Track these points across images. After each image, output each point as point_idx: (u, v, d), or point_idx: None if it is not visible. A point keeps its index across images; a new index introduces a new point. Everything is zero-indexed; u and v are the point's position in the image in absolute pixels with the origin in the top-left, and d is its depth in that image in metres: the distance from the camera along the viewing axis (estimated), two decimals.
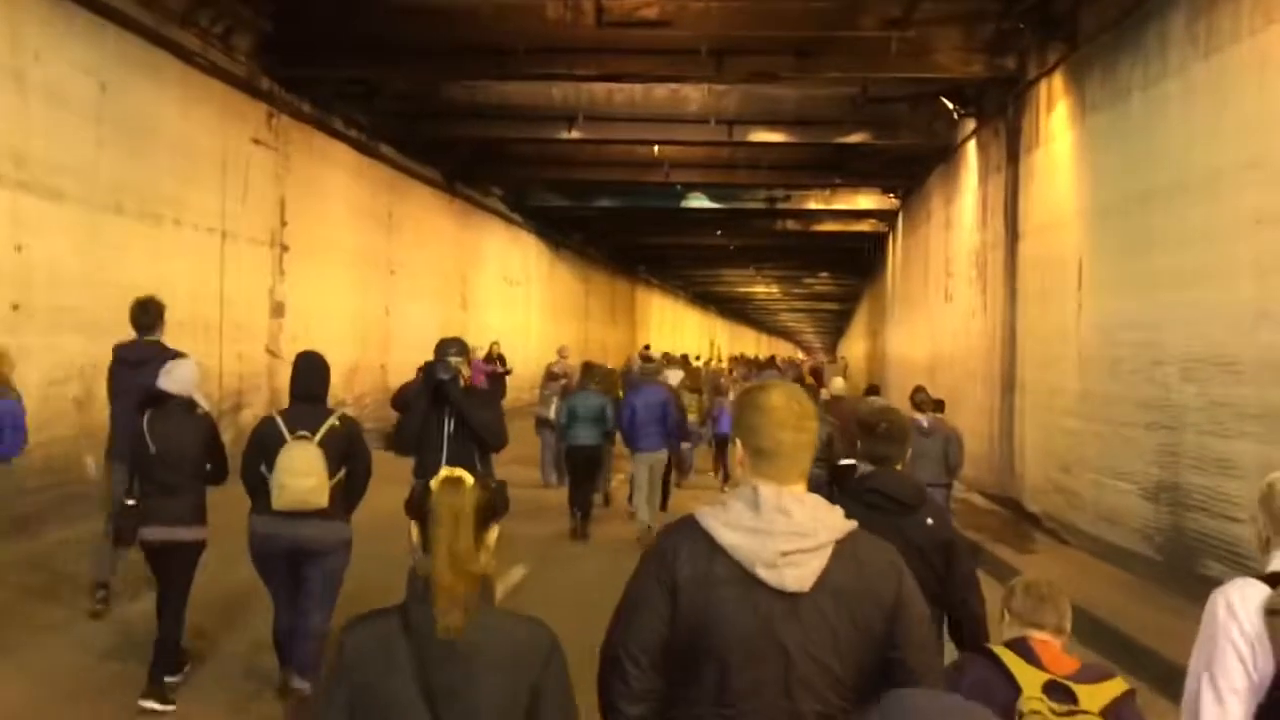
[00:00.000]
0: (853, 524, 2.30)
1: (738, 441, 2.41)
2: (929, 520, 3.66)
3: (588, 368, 12.70)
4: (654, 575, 2.30)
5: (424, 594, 2.25)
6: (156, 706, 5.43)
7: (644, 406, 10.72)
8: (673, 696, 2.30)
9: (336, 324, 16.71)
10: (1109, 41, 10.17)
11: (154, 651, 5.55)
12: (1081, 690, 2.74)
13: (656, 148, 19.64)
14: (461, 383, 6.04)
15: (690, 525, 2.33)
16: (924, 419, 9.35)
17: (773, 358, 42.65)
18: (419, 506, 2.34)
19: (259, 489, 5.35)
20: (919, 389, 10.33)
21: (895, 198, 23.65)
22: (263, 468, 5.31)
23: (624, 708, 2.29)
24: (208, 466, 5.70)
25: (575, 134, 17.47)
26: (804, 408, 2.38)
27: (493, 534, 2.39)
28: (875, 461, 3.83)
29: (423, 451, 5.88)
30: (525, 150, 21.44)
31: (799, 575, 2.21)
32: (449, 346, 6.10)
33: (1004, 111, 13.47)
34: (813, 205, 25.26)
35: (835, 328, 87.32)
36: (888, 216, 26.20)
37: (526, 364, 27.03)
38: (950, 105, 15.10)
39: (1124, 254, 9.76)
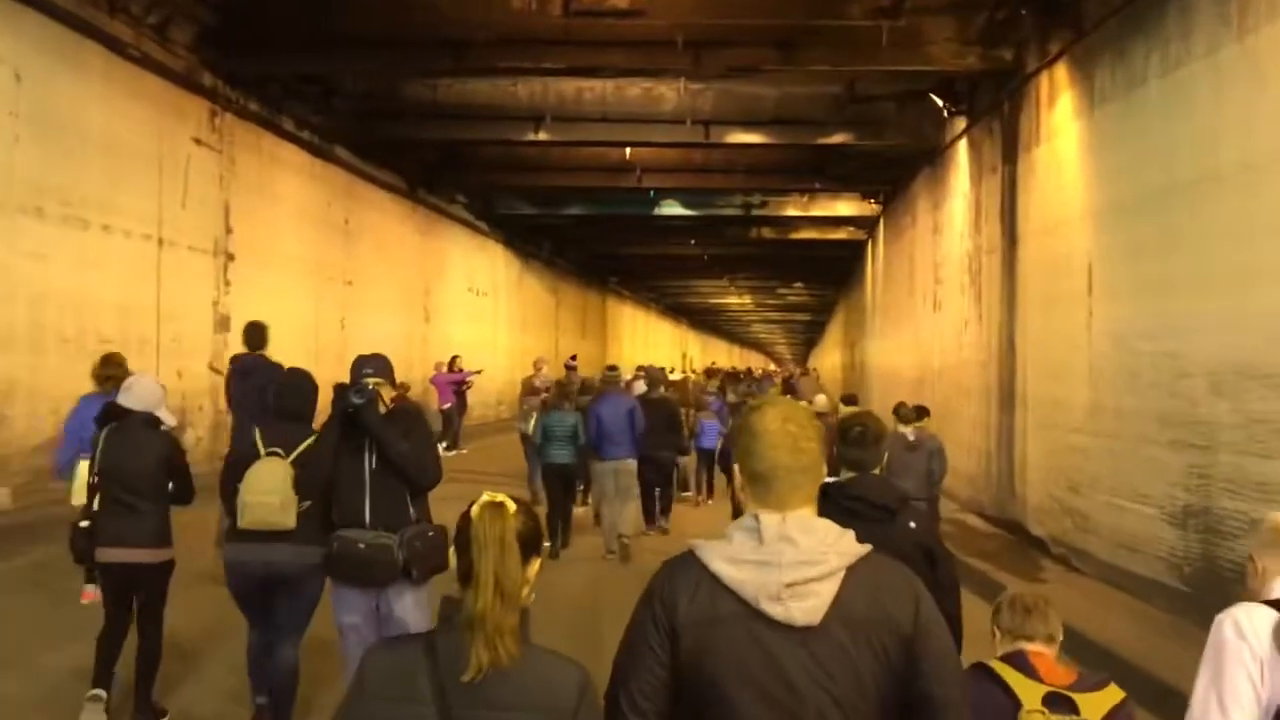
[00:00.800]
0: (866, 548, 2.11)
1: (739, 470, 2.23)
2: (911, 524, 3.61)
3: (562, 385, 12.16)
4: (650, 618, 2.12)
5: (455, 624, 2.11)
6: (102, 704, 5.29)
7: (610, 417, 10.56)
8: None
9: (288, 338, 15.63)
10: (1119, 27, 9.35)
11: (135, 679, 5.38)
12: (1081, 699, 2.75)
13: (629, 150, 18.74)
14: (382, 407, 4.92)
15: (688, 561, 2.14)
16: (909, 432, 9.36)
17: (749, 369, 41.78)
18: (459, 534, 2.18)
19: (234, 508, 5.09)
20: (901, 404, 10.27)
21: (876, 203, 22.87)
22: (240, 485, 5.03)
23: None
24: (169, 486, 5.46)
25: (543, 135, 16.53)
26: (801, 429, 2.19)
27: (533, 567, 2.22)
28: (853, 467, 3.72)
29: (340, 492, 4.84)
30: (491, 154, 20.49)
31: (807, 608, 2.03)
32: (364, 365, 5.07)
33: (999, 108, 12.66)
34: (790, 212, 24.42)
35: (807, 339, 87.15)
36: (867, 224, 25.44)
37: (494, 379, 26.12)
38: (940, 102, 14.29)
39: (1141, 256, 8.92)
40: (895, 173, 19.10)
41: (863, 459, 3.72)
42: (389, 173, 19.53)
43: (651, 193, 22.66)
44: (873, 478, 3.71)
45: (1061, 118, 10.72)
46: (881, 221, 23.15)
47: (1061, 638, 3.10)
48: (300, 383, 5.47)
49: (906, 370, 18.98)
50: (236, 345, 13.95)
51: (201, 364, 13.16)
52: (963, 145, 14.65)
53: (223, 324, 13.69)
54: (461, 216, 24.24)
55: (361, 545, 4.69)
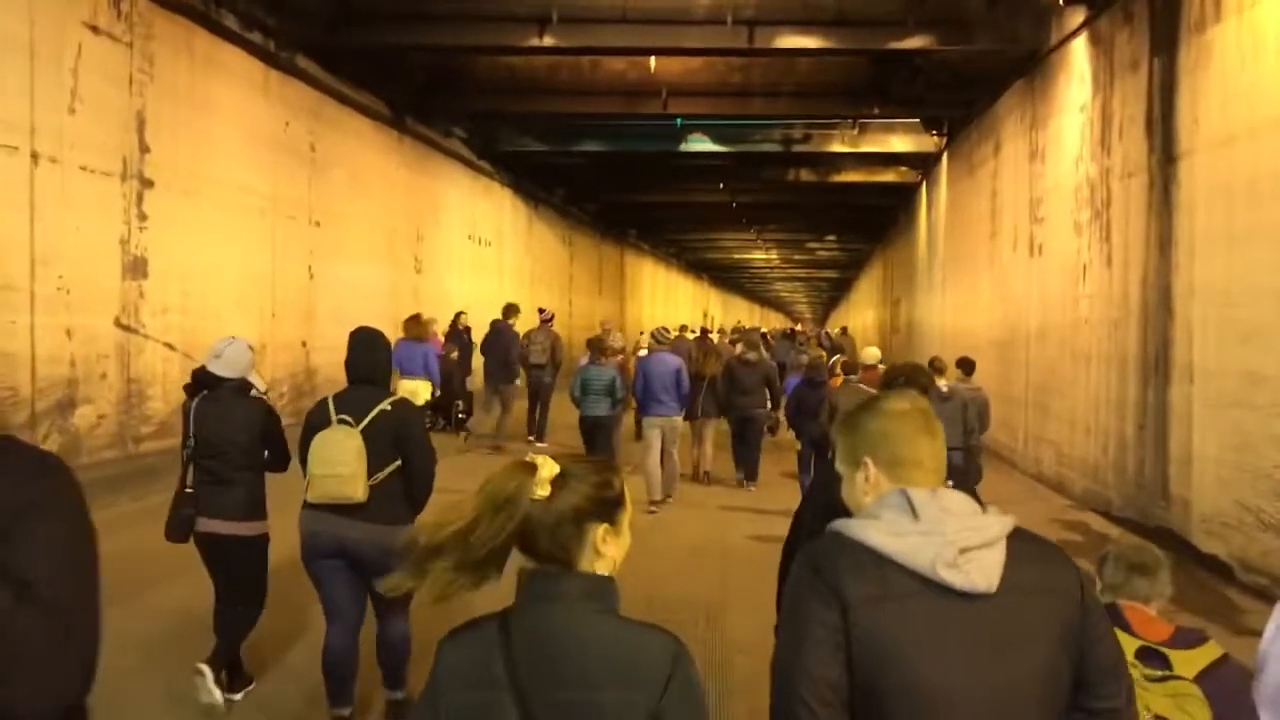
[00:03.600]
0: (1013, 519, 2.01)
1: (866, 461, 2.11)
2: (949, 482, 2.83)
3: (594, 341, 12.29)
4: (816, 596, 1.92)
5: (534, 597, 1.92)
6: (238, 696, 5.33)
7: (656, 375, 11.15)
8: None
9: (233, 289, 12.69)
10: None
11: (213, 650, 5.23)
12: (1175, 655, 2.71)
13: (653, 63, 15.60)
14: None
15: (840, 540, 1.99)
16: (943, 384, 9.65)
17: (792, 329, 38.98)
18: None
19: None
20: (935, 357, 10.99)
21: (939, 136, 19.66)
22: None
23: None
24: (265, 455, 5.41)
25: (548, 40, 13.44)
26: (928, 408, 2.18)
27: (596, 532, 1.96)
28: None
29: None
30: (488, 72, 17.36)
31: (986, 571, 1.90)
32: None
33: None
34: (836, 147, 21.20)
35: (830, 298, 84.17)
36: (924, 162, 22.22)
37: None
38: None
39: None
40: (973, 92, 15.89)
41: None
42: (368, 95, 16.43)
43: (678, 122, 19.49)
44: None
45: None
46: (945, 158, 19.92)
47: (1169, 595, 3.02)
48: (370, 342, 5.06)
49: (983, 330, 15.88)
50: (160, 297, 11.10)
51: (104, 320, 10.21)
52: (1080, 43, 11.48)
53: (137, 268, 10.72)
54: (459, 153, 21.12)
55: None
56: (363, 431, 4.73)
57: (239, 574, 5.35)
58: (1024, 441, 13.43)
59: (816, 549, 2.04)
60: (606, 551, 1.97)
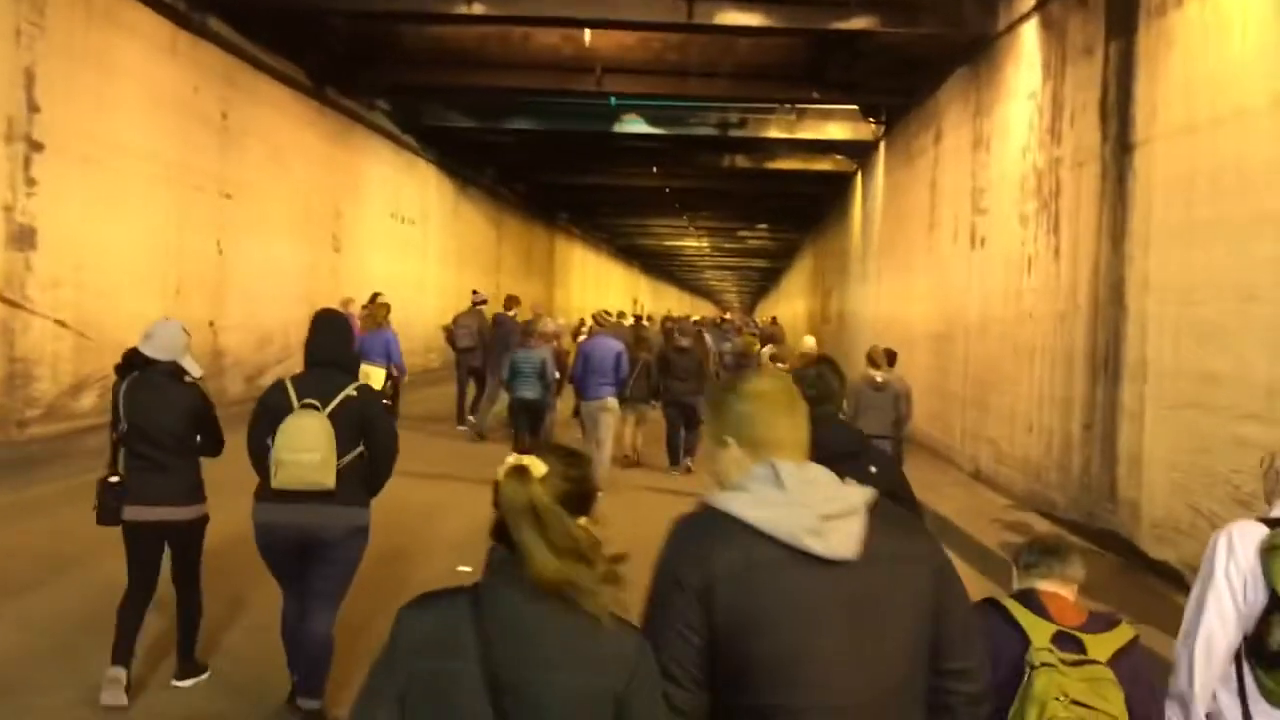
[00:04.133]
0: (875, 491, 2.11)
1: (729, 441, 2.17)
2: (871, 468, 3.48)
3: (528, 325, 12.66)
4: (677, 580, 1.99)
5: (507, 579, 1.96)
6: (188, 684, 5.32)
7: (596, 358, 11.28)
8: (725, 707, 2.00)
9: (133, 263, 11.83)
10: None
11: (178, 636, 5.34)
12: (1089, 640, 2.77)
13: (588, 36, 14.97)
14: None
15: (709, 514, 2.06)
16: (878, 375, 10.08)
17: (724, 318, 38.78)
18: (496, 498, 2.01)
19: (262, 466, 4.76)
20: (873, 347, 10.93)
21: (877, 124, 19.32)
22: (270, 440, 4.67)
23: None
24: (198, 439, 5.26)
25: (477, 8, 12.74)
26: (790, 387, 2.26)
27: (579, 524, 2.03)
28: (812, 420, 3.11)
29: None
30: (414, 44, 16.58)
31: (846, 539, 1.99)
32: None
33: None
34: (773, 133, 20.80)
35: (759, 287, 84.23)
36: (860, 151, 21.89)
37: (423, 323, 22.40)
38: None
39: None
40: (914, 79, 15.53)
41: (822, 412, 3.32)
42: (286, 62, 15.56)
43: (612, 101, 18.89)
44: (828, 422, 3.47)
45: None
46: (882, 147, 19.60)
47: (1081, 579, 3.07)
48: (334, 324, 5.04)
49: (919, 323, 15.57)
50: (49, 269, 10.18)
51: None
52: (1030, 27, 11.13)
53: (21, 238, 9.85)
54: (383, 126, 20.27)
55: None
56: (329, 416, 4.64)
57: (178, 560, 5.22)
58: (961, 438, 13.14)
59: (687, 521, 2.09)
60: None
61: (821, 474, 2.10)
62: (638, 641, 1.97)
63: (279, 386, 4.80)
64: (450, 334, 15.77)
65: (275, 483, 4.62)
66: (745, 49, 16.12)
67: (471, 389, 15.62)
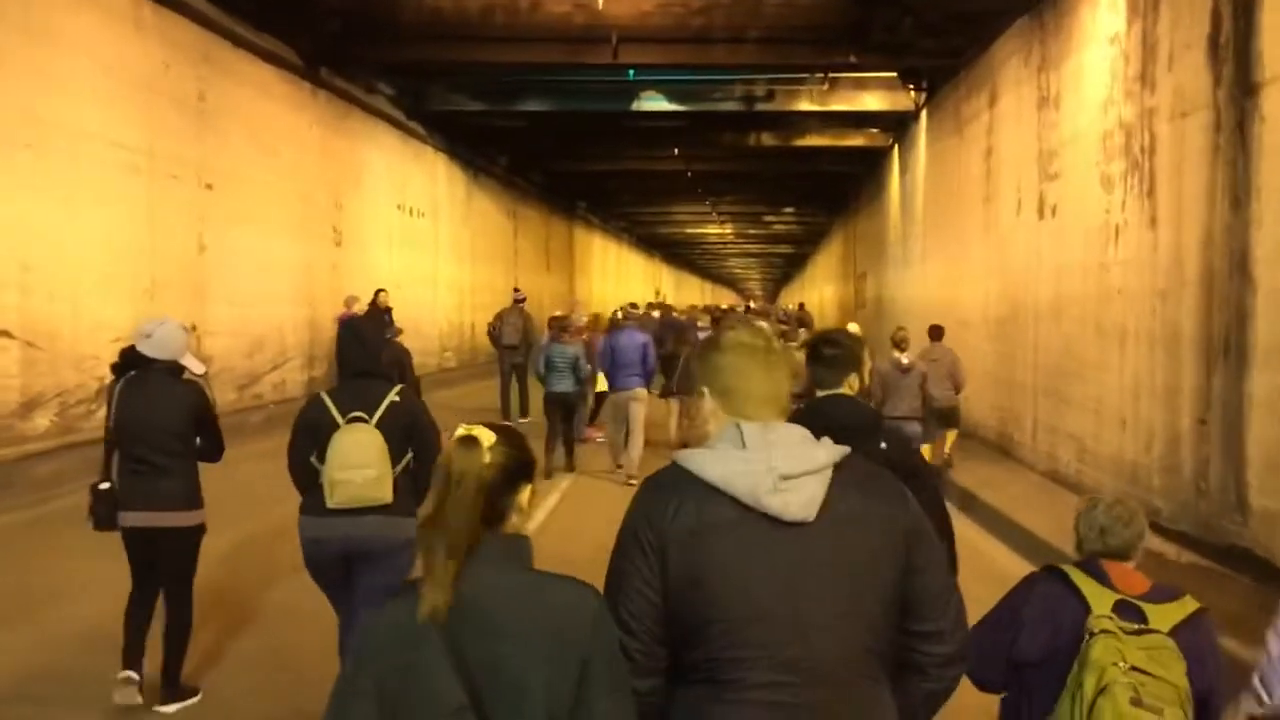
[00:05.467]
0: (846, 449, 2.09)
1: (704, 391, 2.21)
2: (883, 445, 3.31)
3: (561, 319, 12.57)
4: (636, 536, 2.03)
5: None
6: (173, 709, 4.96)
7: (623, 349, 11.29)
8: (679, 663, 2.04)
9: (95, 262, 10.55)
10: None
11: (164, 654, 4.97)
12: (1151, 609, 2.75)
13: (601, 1, 13.53)
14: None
15: (673, 472, 2.09)
16: (903, 357, 10.24)
17: (748, 306, 37.47)
18: (438, 470, 2.05)
19: (310, 484, 4.51)
20: (897, 330, 11.03)
21: (917, 91, 17.82)
22: (314, 459, 4.46)
23: (633, 684, 1.97)
24: (197, 441, 5.05)
25: None
26: (769, 344, 2.24)
27: (524, 493, 2.10)
28: (823, 387, 3.48)
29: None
30: (414, 18, 15.18)
31: (803, 500, 1.98)
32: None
33: None
34: (803, 106, 19.35)
35: (783, 274, 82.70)
36: (898, 123, 20.40)
37: (434, 321, 21.11)
38: None
39: None
40: (962, 37, 14.04)
41: (833, 378, 3.44)
42: (272, 39, 14.25)
43: (630, 73, 17.49)
44: (841, 398, 3.43)
45: None
46: (923, 116, 18.08)
47: (1142, 548, 3.00)
48: (363, 333, 4.83)
49: (977, 305, 14.08)
50: None
51: None
52: None
53: None
54: (385, 111, 18.93)
55: None
56: (377, 426, 4.47)
57: (170, 569, 4.99)
58: (1033, 433, 11.67)
59: (653, 479, 2.13)
60: (526, 509, 2.09)
61: (788, 433, 2.08)
62: (594, 596, 1.99)
63: (317, 401, 4.58)
64: (494, 332, 15.92)
65: (332, 502, 4.40)
66: (774, 10, 14.67)
67: (515, 388, 15.75)
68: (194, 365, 5.15)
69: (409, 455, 4.60)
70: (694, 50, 15.53)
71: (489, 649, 1.89)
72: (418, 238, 20.99)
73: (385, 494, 4.43)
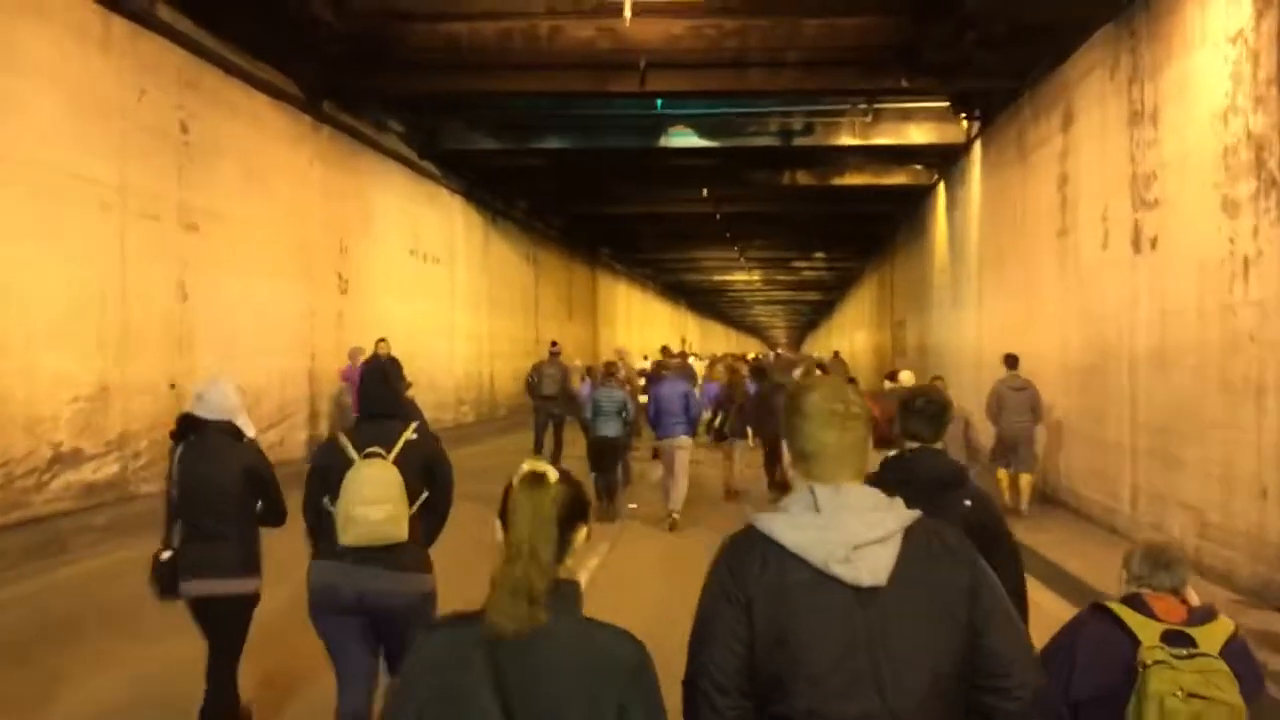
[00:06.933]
0: (917, 512, 2.16)
1: (789, 449, 2.26)
2: (967, 502, 3.41)
3: (609, 365, 12.88)
4: (724, 593, 2.11)
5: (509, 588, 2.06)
6: None
7: (665, 398, 11.50)
8: (763, 713, 2.10)
9: (50, 310, 9.21)
10: None
11: None
12: (1197, 633, 2.82)
13: (628, 20, 12.22)
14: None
15: (752, 534, 2.17)
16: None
17: (777, 354, 36.20)
18: (501, 507, 2.15)
19: (319, 527, 4.35)
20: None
21: (970, 119, 16.44)
22: (325, 501, 4.30)
23: None
24: (258, 505, 4.87)
25: None
26: (848, 407, 2.23)
27: (580, 534, 2.19)
28: (913, 439, 3.58)
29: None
30: (425, 44, 13.95)
31: (874, 568, 2.06)
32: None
33: None
34: (843, 140, 18.00)
35: (808, 322, 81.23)
36: (945, 158, 19.00)
37: (451, 372, 19.75)
38: None
39: None
40: (1028, 53, 12.66)
41: (923, 431, 3.56)
42: (268, 67, 13.03)
43: (659, 103, 16.22)
44: (929, 451, 3.54)
45: None
46: (976, 147, 16.67)
47: (1187, 588, 3.10)
48: (385, 375, 4.65)
49: (1053, 353, 12.52)
50: None
51: None
52: None
53: None
54: (396, 151, 17.69)
55: None
56: (394, 463, 4.29)
57: (217, 639, 4.75)
58: (1133, 501, 10.09)
59: (733, 540, 2.19)
60: (578, 550, 2.14)
61: (859, 498, 2.14)
62: (638, 648, 2.04)
63: (332, 443, 4.48)
64: (532, 383, 16.51)
65: (345, 540, 4.21)
66: (815, 31, 13.35)
67: (550, 437, 16.21)
68: (247, 428, 4.95)
69: (424, 494, 4.42)
70: (728, 76, 14.18)
71: (530, 683, 1.95)
72: (432, 285, 19.67)
73: (400, 533, 4.24)
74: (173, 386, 10.88)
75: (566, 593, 2.06)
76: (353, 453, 4.30)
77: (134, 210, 10.29)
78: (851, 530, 2.06)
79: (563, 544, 2.07)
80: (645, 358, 26.65)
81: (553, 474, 2.11)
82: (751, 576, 2.07)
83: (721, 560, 2.15)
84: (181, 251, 11.16)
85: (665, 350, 13.05)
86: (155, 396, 10.65)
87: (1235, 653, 2.82)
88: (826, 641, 2.04)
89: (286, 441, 13.53)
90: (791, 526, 2.09)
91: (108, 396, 9.81)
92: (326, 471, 4.32)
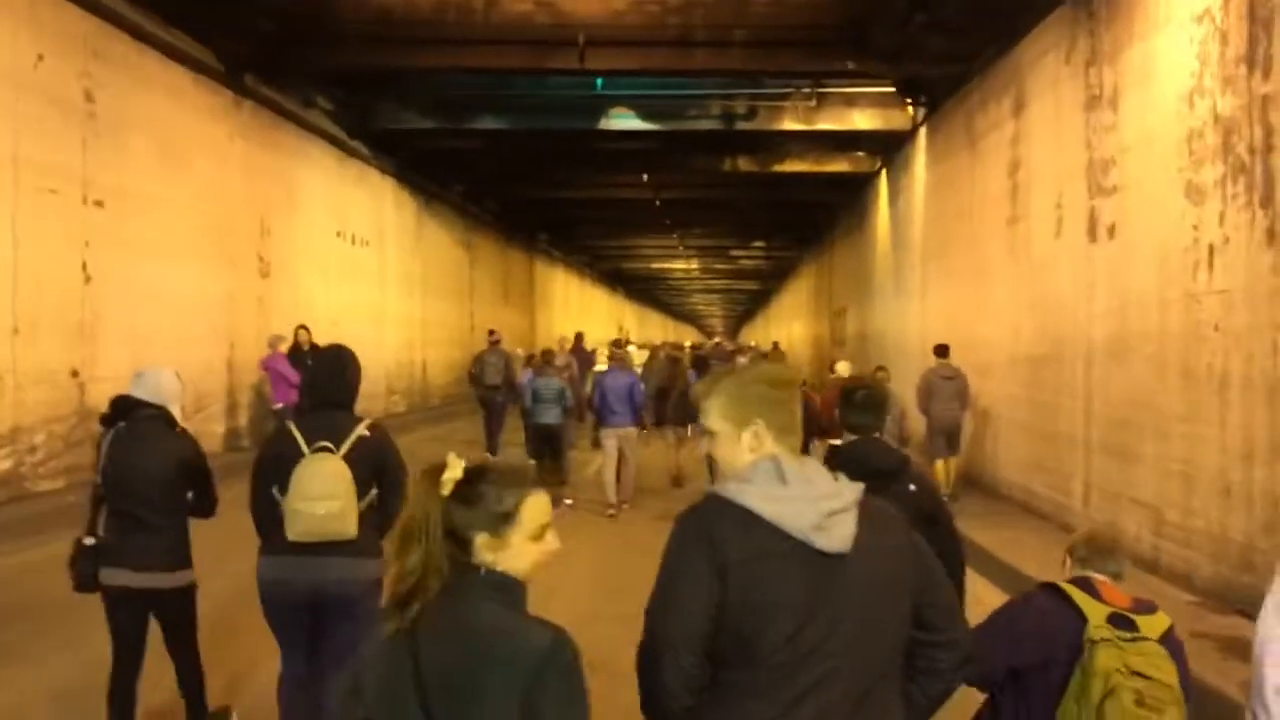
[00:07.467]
0: (861, 486, 2.25)
1: (760, 423, 2.27)
2: (911, 487, 3.65)
3: (547, 353, 13.08)
4: (701, 558, 2.14)
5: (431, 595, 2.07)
6: None
7: (612, 389, 11.50)
8: (724, 681, 2.17)
9: None
10: None
11: (185, 700, 4.84)
12: (1140, 619, 2.95)
13: None
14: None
15: (721, 503, 2.21)
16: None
17: (718, 344, 36.21)
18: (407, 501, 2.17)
19: (268, 519, 4.28)
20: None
21: (917, 105, 16.12)
22: (275, 490, 4.22)
23: (680, 699, 2.16)
24: (189, 495, 4.76)
25: None
26: (790, 380, 2.40)
27: (480, 538, 2.12)
28: (853, 430, 3.78)
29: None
30: (355, 17, 13.27)
31: (844, 535, 2.17)
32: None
33: None
34: (786, 125, 17.60)
35: (745, 311, 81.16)
36: (888, 144, 18.68)
37: (382, 360, 19.02)
38: None
39: None
40: (979, 37, 12.32)
41: (864, 423, 3.75)
42: (185, 37, 12.24)
43: (599, 83, 15.64)
44: (873, 441, 3.72)
45: None
46: (922, 134, 16.37)
47: (1125, 579, 3.23)
48: (338, 363, 4.57)
49: (1000, 343, 12.25)
50: None
51: None
52: None
53: None
54: (324, 128, 16.91)
55: None
56: (345, 458, 4.22)
57: (172, 633, 4.73)
58: (1085, 497, 9.81)
59: (700, 509, 2.24)
60: (487, 558, 2.06)
61: (816, 470, 2.25)
62: (548, 640, 1.99)
63: (282, 431, 4.40)
64: (475, 373, 16.12)
65: (291, 534, 4.11)
66: (762, 9, 12.91)
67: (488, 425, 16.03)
68: (179, 417, 4.86)
69: (374, 491, 4.33)
70: (671, 54, 13.69)
71: (443, 674, 1.97)
72: (361, 269, 18.92)
73: (349, 529, 4.17)
74: (75, 375, 10.12)
75: (503, 586, 2.06)
76: (304, 445, 4.22)
77: (28, 184, 9.51)
78: (822, 500, 2.15)
79: (469, 535, 2.05)
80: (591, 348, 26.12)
81: (455, 468, 2.08)
82: (730, 544, 2.11)
83: (687, 528, 2.19)
84: (85, 230, 10.39)
85: (616, 342, 13.10)
86: (54, 386, 9.89)
87: (1173, 646, 2.93)
88: (795, 606, 2.11)
89: (202, 435, 12.76)
90: (765, 498, 2.15)
91: (4, 386, 9.05)
92: (279, 461, 4.22)
